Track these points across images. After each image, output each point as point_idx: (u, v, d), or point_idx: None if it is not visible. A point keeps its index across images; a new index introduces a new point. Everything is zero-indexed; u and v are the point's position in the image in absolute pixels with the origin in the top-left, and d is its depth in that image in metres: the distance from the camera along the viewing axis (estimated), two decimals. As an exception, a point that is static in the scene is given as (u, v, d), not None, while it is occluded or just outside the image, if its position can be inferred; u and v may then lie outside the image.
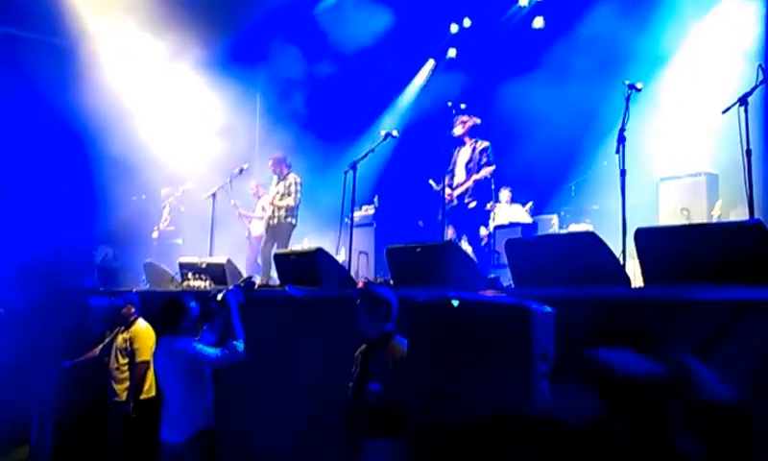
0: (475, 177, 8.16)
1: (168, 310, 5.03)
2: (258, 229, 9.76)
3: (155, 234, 10.89)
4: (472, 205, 8.14)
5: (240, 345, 4.89)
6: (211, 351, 4.86)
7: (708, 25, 8.86)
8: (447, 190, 8.22)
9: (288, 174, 9.40)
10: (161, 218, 11.05)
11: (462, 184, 8.22)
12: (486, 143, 8.29)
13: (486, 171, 8.14)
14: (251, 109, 12.29)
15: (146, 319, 6.61)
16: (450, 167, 8.44)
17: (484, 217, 8.60)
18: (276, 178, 9.48)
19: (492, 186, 8.43)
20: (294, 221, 9.35)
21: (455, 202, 8.17)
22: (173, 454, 4.86)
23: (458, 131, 8.35)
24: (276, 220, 9.29)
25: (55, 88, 9.60)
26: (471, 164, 8.18)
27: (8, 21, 10.08)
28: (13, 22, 10.10)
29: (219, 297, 5.14)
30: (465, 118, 8.40)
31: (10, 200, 9.59)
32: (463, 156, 8.34)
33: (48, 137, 9.87)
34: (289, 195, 9.27)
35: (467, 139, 8.34)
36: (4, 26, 10.10)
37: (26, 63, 9.69)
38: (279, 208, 9.26)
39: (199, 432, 4.86)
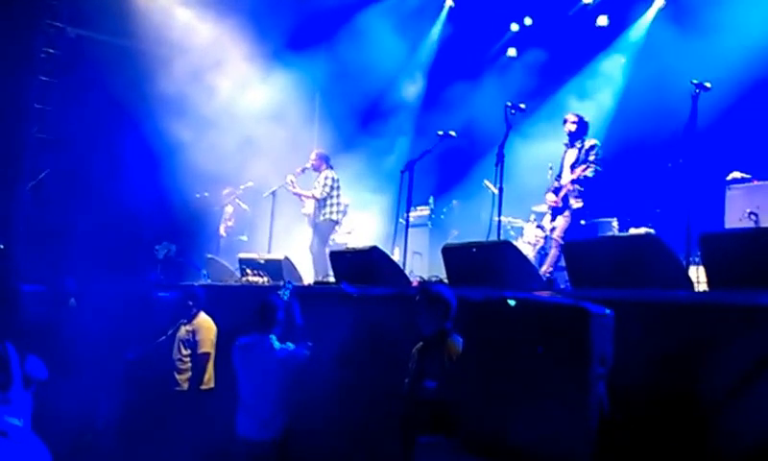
0: (571, 177, 7.57)
1: (264, 310, 5.22)
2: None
3: (222, 232, 11.17)
4: (577, 205, 7.60)
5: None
6: (301, 351, 5.13)
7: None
8: (552, 196, 7.79)
9: (324, 170, 9.57)
10: (225, 216, 11.29)
11: (563, 188, 7.68)
12: (593, 141, 7.63)
13: (580, 170, 7.52)
14: (310, 107, 12.44)
15: (208, 313, 6.79)
16: (558, 171, 7.93)
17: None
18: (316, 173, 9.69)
19: None
20: (333, 217, 9.53)
21: (560, 204, 7.68)
22: (263, 452, 5.08)
23: (571, 127, 7.72)
24: (318, 218, 9.51)
25: (123, 87, 9.95)
26: (577, 165, 7.61)
27: (81, 24, 10.52)
28: (86, 25, 10.53)
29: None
30: (573, 117, 7.78)
31: (80, 194, 10.00)
32: (569, 157, 7.79)
33: (116, 135, 10.26)
34: (316, 188, 9.48)
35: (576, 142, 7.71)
36: (77, 28, 10.54)
37: (98, 64, 10.08)
38: (319, 201, 9.43)
39: (287, 428, 5.17)
